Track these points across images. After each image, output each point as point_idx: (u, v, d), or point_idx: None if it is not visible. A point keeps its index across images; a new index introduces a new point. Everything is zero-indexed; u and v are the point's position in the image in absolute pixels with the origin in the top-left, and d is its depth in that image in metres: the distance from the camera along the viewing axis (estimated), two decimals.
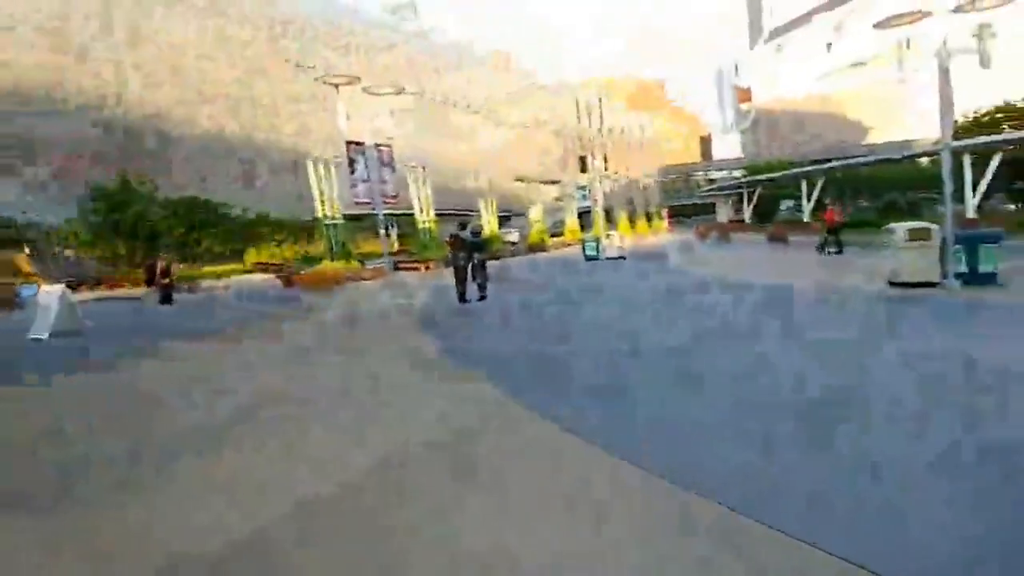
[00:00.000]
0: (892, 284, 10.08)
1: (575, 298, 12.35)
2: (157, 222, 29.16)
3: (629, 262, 21.59)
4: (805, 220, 29.01)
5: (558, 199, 50.24)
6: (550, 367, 6.28)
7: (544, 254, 33.01)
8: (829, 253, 18.59)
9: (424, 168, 31.24)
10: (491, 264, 25.29)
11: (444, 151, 52.77)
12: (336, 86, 13.93)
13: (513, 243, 40.05)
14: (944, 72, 8.92)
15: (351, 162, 13.60)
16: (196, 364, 7.97)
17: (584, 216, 51.92)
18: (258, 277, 27.20)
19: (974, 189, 20.53)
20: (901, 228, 10.06)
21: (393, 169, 14.51)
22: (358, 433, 4.50)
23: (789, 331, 7.31)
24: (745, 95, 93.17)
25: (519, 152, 40.19)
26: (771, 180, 35.09)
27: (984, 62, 8.12)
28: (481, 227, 13.69)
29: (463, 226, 13.56)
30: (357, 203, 13.68)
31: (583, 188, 55.60)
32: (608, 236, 24.35)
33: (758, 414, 4.23)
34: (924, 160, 33.07)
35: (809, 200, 29.32)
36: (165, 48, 36.57)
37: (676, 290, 12.41)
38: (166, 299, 17.86)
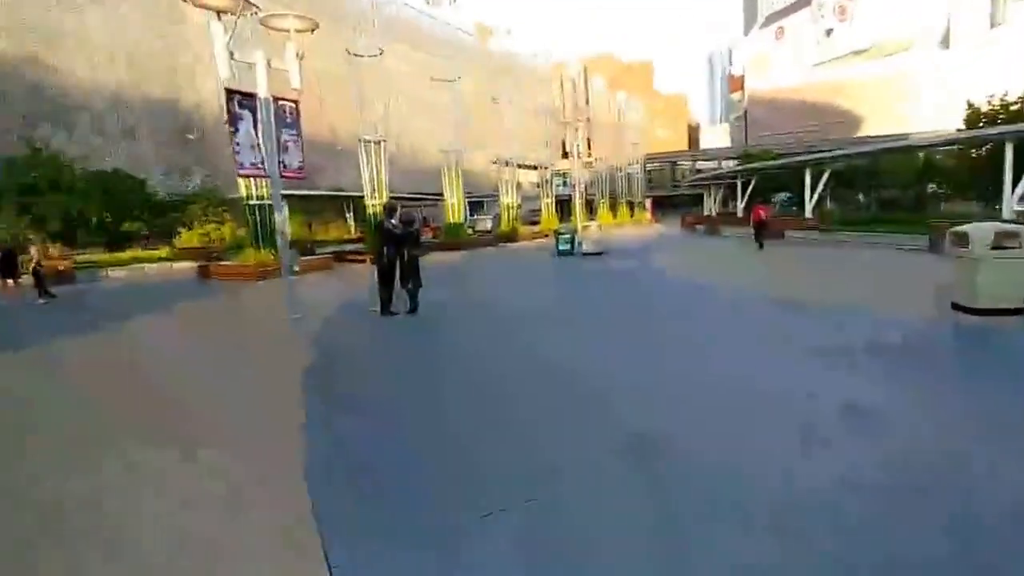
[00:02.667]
0: (959, 308, 7.14)
1: (529, 315, 8.76)
2: (70, 201, 25.02)
3: (609, 260, 18.08)
4: (807, 215, 25.95)
5: (536, 185, 46.61)
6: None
7: (514, 245, 29.38)
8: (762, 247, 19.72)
9: (382, 143, 27.34)
10: (455, 256, 21.61)
11: (408, 125, 48.60)
12: (218, 12, 10.10)
13: (486, 231, 36.46)
14: None
15: (232, 119, 9.73)
16: None
17: (563, 204, 48.41)
18: (185, 265, 23.62)
19: (1015, 184, 17.20)
20: (982, 231, 6.98)
21: (298, 132, 10.66)
22: None
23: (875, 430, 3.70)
24: (737, 83, 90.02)
25: (496, 132, 36.40)
26: (779, 168, 31.61)
27: None
28: (413, 214, 10.07)
29: (390, 212, 9.93)
30: (240, 174, 9.95)
31: (563, 174, 52.03)
32: (586, 228, 20.85)
33: None
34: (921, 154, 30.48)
35: (813, 192, 26.14)
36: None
37: (670, 313, 8.83)
38: (45, 292, 14.10)
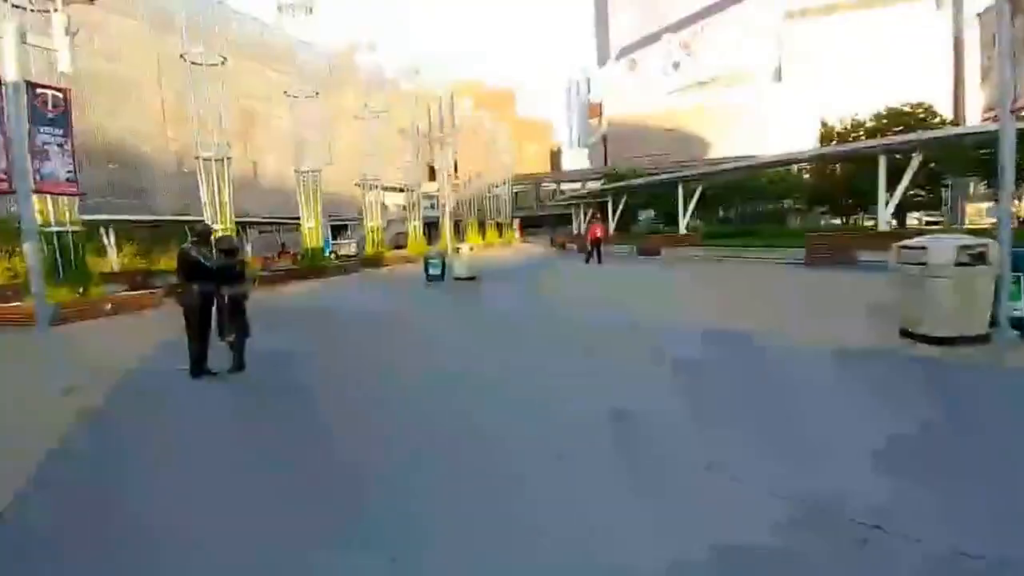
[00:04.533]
0: (910, 336, 6.17)
1: (396, 364, 6.84)
2: None
3: (485, 286, 16.65)
4: (682, 232, 26.74)
5: (403, 207, 44.68)
6: None
7: (381, 270, 27.07)
8: (589, 261, 20.76)
9: (225, 160, 23.79)
10: (313, 285, 18.77)
11: (266, 145, 44.31)
12: None
13: (350, 256, 33.97)
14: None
15: None
16: None
17: (431, 227, 46.80)
18: None
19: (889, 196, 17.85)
20: (942, 245, 6.03)
21: (67, 133, 7.92)
22: None
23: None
24: (596, 109, 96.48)
25: (360, 153, 34.09)
26: (651, 186, 32.48)
27: None
28: (233, 241, 7.73)
29: (202, 238, 7.42)
30: None
31: (431, 197, 50.51)
32: (457, 251, 19.40)
33: None
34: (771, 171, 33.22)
35: (686, 208, 27.10)
36: None
37: (571, 354, 7.42)
38: None
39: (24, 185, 7.21)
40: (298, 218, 29.27)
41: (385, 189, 37.55)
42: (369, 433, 4.61)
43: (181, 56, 23.60)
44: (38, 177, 7.53)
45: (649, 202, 37.83)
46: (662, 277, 17.00)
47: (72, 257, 16.21)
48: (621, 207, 33.02)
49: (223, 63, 24.15)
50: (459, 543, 2.77)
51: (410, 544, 2.73)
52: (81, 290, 15.77)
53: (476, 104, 58.74)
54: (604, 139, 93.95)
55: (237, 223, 25.14)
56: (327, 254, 29.20)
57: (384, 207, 38.30)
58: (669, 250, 24.45)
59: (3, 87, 7.33)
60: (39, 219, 16.50)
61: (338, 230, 47.54)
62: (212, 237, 7.73)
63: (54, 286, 15.84)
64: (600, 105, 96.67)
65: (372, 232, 31.83)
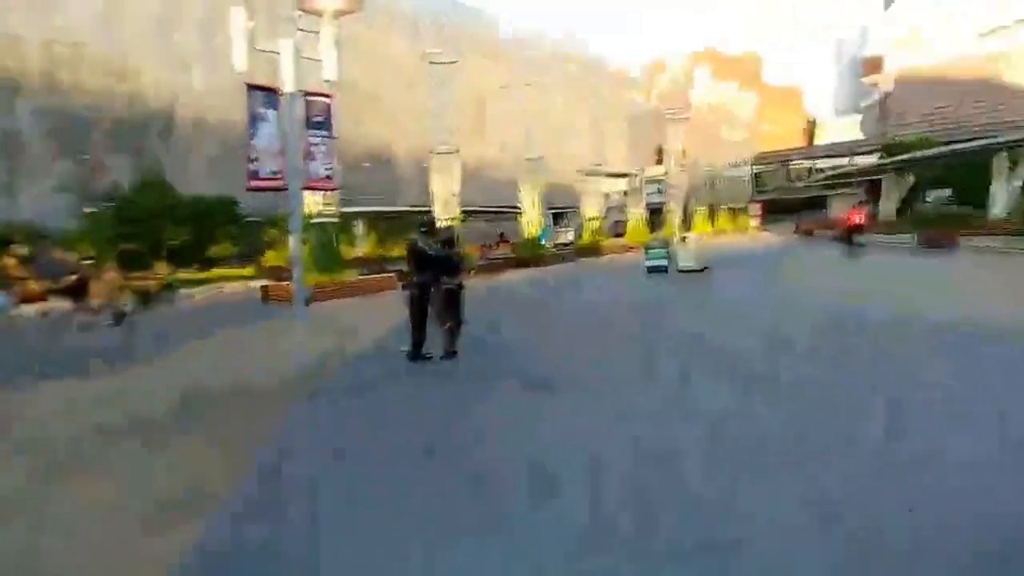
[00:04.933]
0: None
1: (615, 369, 5.96)
2: (160, 226, 25.80)
3: (718, 278, 14.93)
4: (993, 216, 20.42)
5: (624, 194, 43.33)
6: None
7: (598, 260, 26.55)
8: (851, 253, 18.04)
9: (454, 154, 25.69)
10: (528, 274, 19.21)
11: (485, 134, 47.19)
12: None
13: (567, 244, 34.21)
14: None
15: (253, 119, 8.18)
16: None
17: (655, 213, 44.73)
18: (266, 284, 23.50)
19: None
20: None
21: (329, 134, 8.95)
22: None
23: None
24: (872, 65, 79.11)
25: (582, 140, 33.89)
26: (949, 156, 25.73)
27: None
28: (452, 231, 7.95)
29: (427, 228, 7.71)
30: (251, 187, 8.07)
31: (657, 181, 48.22)
32: (683, 240, 17.82)
33: None
34: None
35: (1008, 185, 20.72)
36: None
37: (819, 363, 5.52)
38: (119, 318, 13.12)
39: (296, 183, 8.37)
40: (514, 207, 30.38)
41: (608, 176, 36.88)
42: (578, 425, 4.40)
43: (423, 58, 26.18)
44: (307, 176, 8.61)
45: (944, 178, 29.57)
46: (947, 271, 13.69)
47: (326, 244, 19.15)
48: (907, 187, 26.60)
49: (458, 61, 26.12)
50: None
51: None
52: (333, 273, 18.55)
53: (715, 74, 53.78)
54: (883, 101, 76.57)
55: (463, 211, 27.06)
56: (543, 242, 29.74)
57: (605, 195, 37.70)
58: (971, 241, 18.62)
59: (282, 96, 8.49)
60: (307, 211, 19.89)
61: (556, 218, 48.50)
62: (435, 227, 8.07)
63: (318, 270, 18.97)
64: (880, 59, 78.59)
65: (590, 220, 31.52)
